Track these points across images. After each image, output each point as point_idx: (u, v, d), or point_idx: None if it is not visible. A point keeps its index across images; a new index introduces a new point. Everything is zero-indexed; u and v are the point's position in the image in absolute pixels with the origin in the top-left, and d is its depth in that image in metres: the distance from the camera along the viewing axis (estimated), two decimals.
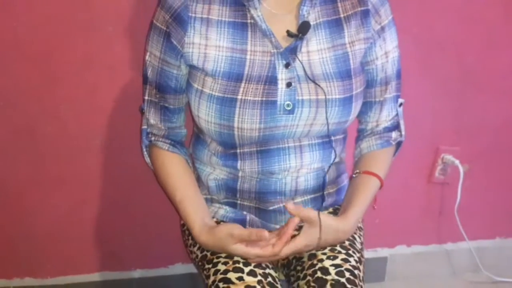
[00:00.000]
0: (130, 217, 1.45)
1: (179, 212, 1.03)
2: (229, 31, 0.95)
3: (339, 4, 0.98)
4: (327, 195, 1.08)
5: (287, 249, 0.94)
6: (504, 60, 1.46)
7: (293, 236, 0.96)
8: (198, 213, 1.01)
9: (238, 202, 1.06)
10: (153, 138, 1.08)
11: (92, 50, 1.24)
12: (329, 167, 1.05)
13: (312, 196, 1.06)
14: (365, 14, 0.98)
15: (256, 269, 0.95)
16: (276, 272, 1.01)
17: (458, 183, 1.53)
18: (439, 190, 1.61)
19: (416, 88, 1.43)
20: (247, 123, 0.94)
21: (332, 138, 1.04)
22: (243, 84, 0.94)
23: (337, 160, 1.08)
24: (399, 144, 1.13)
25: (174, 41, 0.96)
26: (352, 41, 0.98)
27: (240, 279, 0.92)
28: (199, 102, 0.98)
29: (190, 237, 1.09)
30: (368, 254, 1.65)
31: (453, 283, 1.69)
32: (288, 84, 0.94)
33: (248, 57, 0.95)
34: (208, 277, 0.98)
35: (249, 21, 0.95)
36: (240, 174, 1.03)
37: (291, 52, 0.95)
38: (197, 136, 1.10)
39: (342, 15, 0.98)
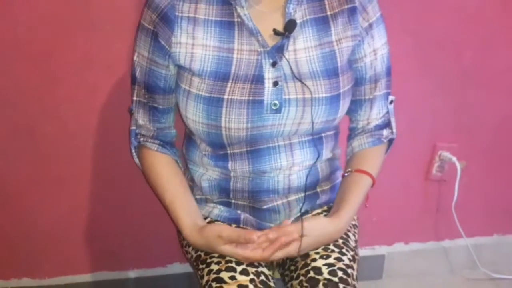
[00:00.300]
0: (128, 217, 1.46)
1: (169, 214, 1.03)
2: (216, 30, 0.95)
3: (326, 2, 0.98)
4: (321, 192, 1.08)
5: (279, 253, 0.94)
6: (501, 58, 1.46)
7: None
8: (188, 214, 1.01)
9: (232, 201, 1.06)
10: (141, 139, 1.07)
11: (91, 50, 1.25)
12: (321, 162, 1.05)
13: (306, 193, 1.05)
14: (352, 12, 0.98)
15: (248, 268, 0.95)
16: (270, 270, 1.01)
17: (456, 180, 1.53)
18: (436, 187, 1.61)
19: (414, 86, 1.43)
20: (234, 122, 0.94)
21: (323, 135, 1.04)
22: (229, 84, 0.94)
23: (330, 156, 1.08)
24: (390, 141, 1.13)
25: (162, 41, 0.96)
26: (339, 38, 0.98)
27: (233, 278, 0.92)
28: (186, 103, 0.98)
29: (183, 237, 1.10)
30: (365, 251, 1.65)
31: (451, 280, 1.70)
32: (275, 83, 0.94)
33: (234, 56, 0.95)
34: (202, 277, 0.98)
35: (236, 19, 0.95)
36: (232, 174, 1.03)
37: (277, 51, 0.95)
38: (189, 137, 1.10)
39: (329, 13, 0.98)
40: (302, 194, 1.05)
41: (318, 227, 0.97)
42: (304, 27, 0.96)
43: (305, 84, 0.95)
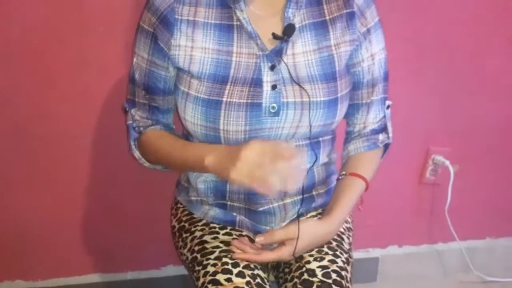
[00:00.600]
0: (122, 219, 1.45)
1: (185, 160, 0.98)
2: (215, 33, 0.95)
3: (324, 6, 0.99)
4: (317, 196, 1.09)
5: (272, 255, 0.96)
6: (494, 62, 1.47)
7: None
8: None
9: (228, 203, 1.06)
10: (142, 129, 1.06)
11: (85, 51, 1.24)
12: (317, 166, 1.05)
13: (302, 197, 1.05)
14: (351, 16, 0.99)
15: (244, 270, 0.95)
16: (265, 273, 1.01)
17: (449, 183, 1.54)
18: (430, 190, 1.61)
19: (407, 89, 1.43)
20: (233, 125, 0.95)
21: (320, 139, 1.04)
22: (228, 86, 0.95)
23: (326, 160, 1.08)
24: (386, 146, 1.14)
25: (161, 43, 0.96)
26: (337, 43, 0.99)
27: (229, 280, 0.92)
28: (185, 105, 0.98)
29: (180, 239, 1.10)
30: (359, 254, 1.66)
31: (444, 283, 1.70)
32: (273, 87, 0.95)
33: (233, 59, 0.95)
34: (198, 279, 0.98)
35: (235, 23, 0.96)
36: None
37: (276, 55, 0.95)
38: (186, 139, 1.10)
39: (327, 17, 0.98)
40: (298, 197, 1.06)
41: (310, 229, 0.98)
42: (303, 31, 0.97)
43: (303, 88, 0.95)
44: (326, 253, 0.99)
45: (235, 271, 0.94)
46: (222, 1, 0.95)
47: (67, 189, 1.39)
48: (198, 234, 1.05)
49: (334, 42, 0.99)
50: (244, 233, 1.06)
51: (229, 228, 1.06)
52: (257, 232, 1.05)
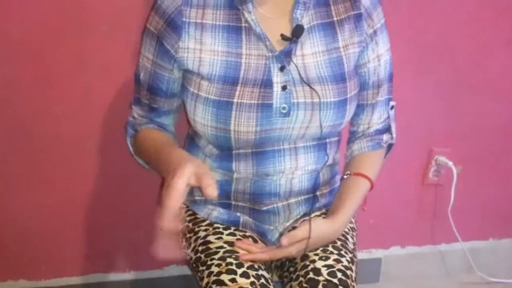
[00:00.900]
0: (124, 219, 1.45)
1: (161, 159, 0.95)
2: (223, 35, 0.95)
3: (332, 8, 0.99)
4: (321, 196, 1.09)
5: (280, 253, 0.96)
6: (496, 63, 1.47)
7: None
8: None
9: (232, 203, 1.06)
10: (138, 128, 1.07)
11: (85, 51, 1.24)
12: (322, 168, 1.05)
13: (306, 197, 1.06)
14: (358, 18, 0.99)
15: (249, 271, 0.95)
16: (269, 273, 1.01)
17: (452, 184, 1.54)
18: (432, 191, 1.61)
19: (410, 90, 1.44)
20: (244, 126, 0.95)
21: (327, 140, 1.04)
22: (238, 88, 0.95)
23: (331, 162, 1.09)
24: (390, 146, 1.14)
25: (168, 46, 0.96)
26: (346, 44, 0.99)
27: (233, 281, 0.92)
28: (195, 106, 0.98)
29: (183, 240, 1.10)
30: (362, 255, 1.65)
31: (447, 284, 1.70)
32: (284, 87, 0.95)
33: (243, 60, 0.95)
34: (201, 279, 0.97)
35: (243, 24, 0.96)
36: (235, 175, 1.03)
37: (285, 56, 0.95)
38: (191, 139, 1.11)
39: (335, 19, 0.99)
40: (302, 197, 1.06)
41: (316, 228, 0.97)
42: (311, 32, 0.97)
43: (313, 89, 0.95)
44: (331, 253, 1.00)
45: (239, 271, 0.94)
46: (230, 3, 0.95)
47: (69, 189, 1.39)
48: (202, 234, 1.05)
49: (343, 43, 0.99)
50: (248, 234, 1.06)
51: (232, 228, 1.06)
52: (260, 233, 1.06)
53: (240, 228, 1.06)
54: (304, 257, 1.00)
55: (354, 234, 1.11)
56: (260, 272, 0.97)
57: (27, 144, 1.32)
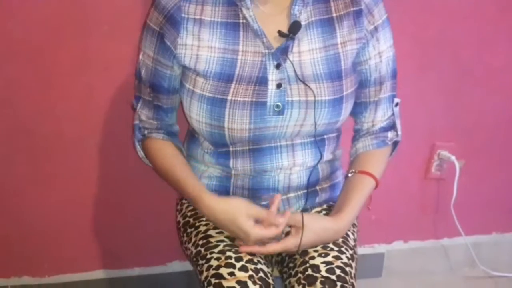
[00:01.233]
0: (127, 215, 1.46)
1: (182, 186, 1.02)
2: (221, 31, 0.95)
3: (331, 4, 0.98)
4: (321, 190, 1.09)
5: (277, 247, 0.96)
6: (499, 57, 1.47)
7: (287, 234, 0.98)
8: (202, 185, 1.01)
9: None
10: (146, 132, 1.08)
11: (87, 50, 1.25)
12: (321, 163, 1.05)
13: (305, 191, 1.06)
14: (358, 14, 0.98)
15: (247, 264, 0.95)
16: (268, 267, 1.02)
17: (454, 179, 1.53)
18: (435, 186, 1.61)
19: (413, 85, 1.43)
20: (237, 123, 0.95)
21: (325, 136, 1.04)
22: (233, 85, 0.95)
23: (330, 157, 1.08)
24: (395, 144, 1.13)
25: (168, 42, 0.97)
26: (344, 41, 0.98)
27: (232, 274, 0.93)
28: (190, 102, 0.98)
29: (185, 234, 1.10)
30: (365, 250, 1.65)
31: (450, 278, 1.70)
32: (278, 85, 0.95)
33: (239, 57, 0.95)
34: (201, 272, 0.98)
35: (241, 21, 0.95)
36: (233, 172, 1.03)
37: (282, 53, 0.95)
38: (191, 135, 1.11)
39: (334, 15, 0.98)
40: (302, 192, 1.06)
41: (318, 223, 0.98)
42: (309, 29, 0.97)
43: (308, 87, 0.95)
44: (331, 249, 0.99)
45: (238, 265, 0.94)
46: None
47: (71, 188, 1.39)
48: (202, 228, 1.05)
49: (341, 40, 0.98)
50: None
51: None
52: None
53: None
54: (303, 253, 1.00)
55: (355, 230, 1.11)
56: (259, 266, 0.97)
57: (29, 144, 1.32)
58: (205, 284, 0.94)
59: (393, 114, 1.10)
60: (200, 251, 1.01)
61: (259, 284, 0.92)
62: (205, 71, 0.96)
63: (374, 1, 1.00)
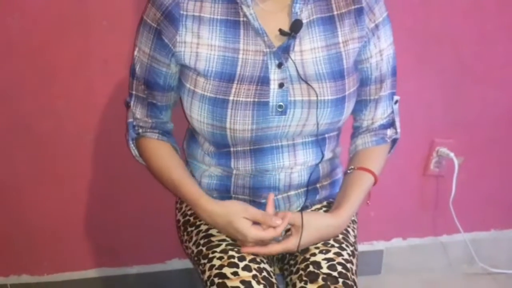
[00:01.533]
0: (126, 213, 1.46)
1: (178, 189, 1.02)
2: (221, 29, 0.94)
3: (332, 1, 0.97)
4: (321, 188, 1.09)
5: (278, 247, 0.96)
6: (499, 53, 1.46)
7: (287, 231, 0.98)
8: (199, 188, 1.01)
9: (233, 196, 1.06)
10: (140, 131, 1.07)
11: (87, 46, 1.24)
12: (321, 162, 1.05)
13: (306, 189, 1.06)
14: (359, 12, 0.97)
15: (251, 264, 0.95)
16: (271, 266, 1.02)
17: (453, 175, 1.53)
18: (434, 182, 1.61)
19: (412, 81, 1.43)
20: (239, 124, 0.94)
21: (326, 135, 1.04)
22: (235, 85, 0.94)
23: (331, 156, 1.08)
24: (394, 141, 1.13)
25: (166, 39, 0.95)
26: (345, 40, 0.97)
27: (235, 274, 0.92)
28: (191, 102, 0.97)
29: (185, 233, 1.10)
30: (364, 247, 1.66)
31: (449, 275, 1.70)
32: (281, 85, 0.94)
33: (240, 56, 0.94)
34: (203, 272, 0.98)
35: (241, 19, 0.94)
36: (234, 172, 1.03)
37: (283, 51, 0.94)
38: (191, 135, 1.10)
39: (335, 12, 0.97)
40: (302, 190, 1.05)
41: (318, 220, 0.98)
42: (311, 27, 0.96)
43: (311, 86, 0.94)
44: (332, 246, 0.99)
45: (241, 264, 0.94)
46: None
47: (71, 185, 1.39)
48: (203, 227, 1.05)
49: (342, 39, 0.97)
50: None
51: None
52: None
53: None
54: (304, 250, 0.99)
55: (355, 226, 1.11)
56: (262, 265, 0.97)
57: (31, 140, 1.32)
58: (208, 283, 0.94)
59: (392, 111, 1.10)
60: (201, 250, 1.01)
61: (263, 283, 0.92)
62: (205, 71, 0.94)
63: None
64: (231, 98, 0.93)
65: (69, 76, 1.26)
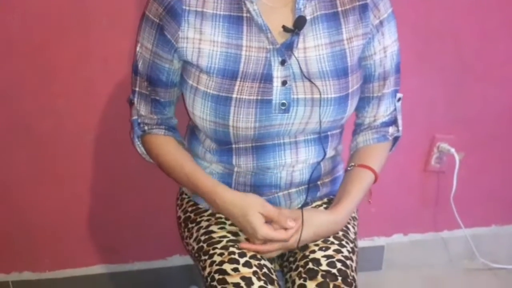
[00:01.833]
0: (126, 211, 1.46)
1: (192, 181, 1.01)
2: (224, 25, 0.93)
3: None
4: (322, 185, 1.09)
5: (277, 245, 0.96)
6: (500, 51, 1.46)
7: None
8: (213, 179, 1.02)
9: None
10: (146, 128, 1.06)
11: (88, 44, 1.24)
12: (324, 160, 1.05)
13: (307, 186, 1.05)
14: (364, 9, 0.96)
15: (251, 260, 0.95)
16: (271, 263, 1.02)
17: (454, 171, 1.53)
18: (435, 178, 1.61)
19: (413, 77, 1.42)
20: (243, 122, 0.94)
21: (329, 133, 1.03)
22: (238, 82, 0.93)
23: (333, 153, 1.08)
24: (396, 139, 1.13)
25: (168, 35, 0.94)
26: (350, 37, 0.96)
27: (236, 270, 0.93)
28: (194, 99, 0.97)
29: (186, 230, 1.10)
30: (365, 243, 1.66)
31: (450, 270, 1.70)
32: (284, 83, 0.93)
33: (243, 53, 0.93)
34: (204, 268, 0.98)
35: (244, 14, 0.93)
36: (235, 169, 1.03)
37: (287, 48, 0.93)
38: (192, 131, 1.10)
39: (340, 9, 0.96)
40: (303, 187, 1.05)
41: (318, 217, 0.98)
42: (314, 23, 0.94)
43: (314, 84, 0.93)
44: (332, 243, 0.99)
45: (242, 261, 0.94)
46: None
47: (71, 183, 1.39)
48: (204, 224, 1.05)
49: (347, 36, 0.96)
50: None
51: None
52: None
53: None
54: (304, 247, 0.99)
55: (355, 223, 1.11)
56: (263, 261, 0.97)
57: (31, 139, 1.32)
58: (209, 279, 0.94)
59: (395, 109, 1.09)
60: (202, 246, 1.01)
61: (263, 280, 0.92)
62: (208, 67, 0.94)
63: None
64: (234, 95, 0.93)
65: (69, 75, 1.26)
